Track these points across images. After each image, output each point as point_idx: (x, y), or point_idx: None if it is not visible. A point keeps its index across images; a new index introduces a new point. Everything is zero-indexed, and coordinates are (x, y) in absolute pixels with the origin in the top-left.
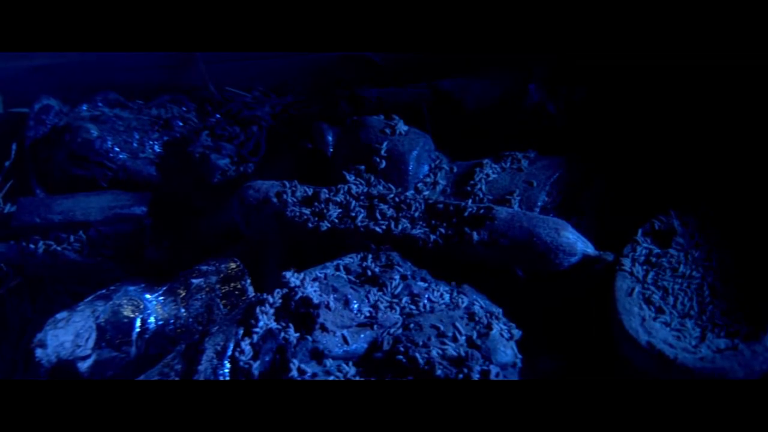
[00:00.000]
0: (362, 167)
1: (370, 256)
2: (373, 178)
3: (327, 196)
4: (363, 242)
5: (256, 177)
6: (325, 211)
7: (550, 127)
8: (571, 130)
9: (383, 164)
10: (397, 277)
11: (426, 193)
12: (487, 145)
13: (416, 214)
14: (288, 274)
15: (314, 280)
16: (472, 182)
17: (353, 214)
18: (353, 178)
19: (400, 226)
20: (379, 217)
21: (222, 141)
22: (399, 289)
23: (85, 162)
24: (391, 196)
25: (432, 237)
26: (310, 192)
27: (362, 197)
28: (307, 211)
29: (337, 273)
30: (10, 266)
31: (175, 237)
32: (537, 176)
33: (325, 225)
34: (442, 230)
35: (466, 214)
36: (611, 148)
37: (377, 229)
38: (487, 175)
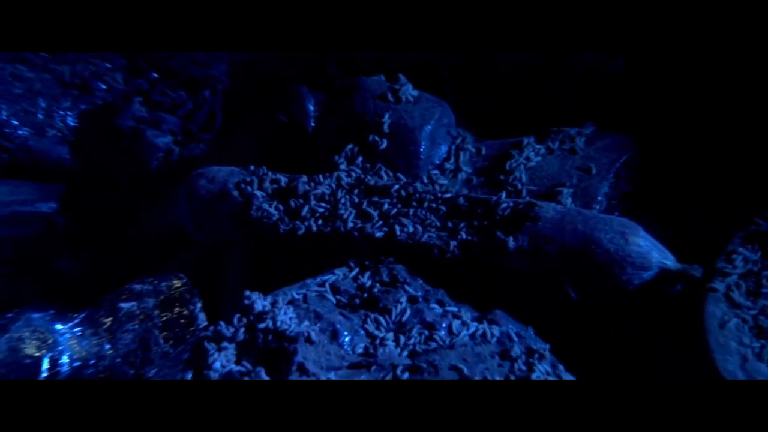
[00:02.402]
0: (356, 148)
1: (367, 271)
2: (369, 164)
3: (307, 188)
4: (357, 252)
5: (210, 162)
6: (304, 208)
7: (612, 94)
8: (642, 96)
9: (384, 144)
10: (403, 299)
11: (443, 183)
12: (527, 119)
13: (430, 215)
14: (254, 296)
15: (290, 303)
16: (507, 169)
17: (343, 213)
18: (343, 162)
19: (407, 230)
20: (378, 217)
21: (161, 111)
22: (407, 316)
23: None
24: (396, 188)
25: (452, 244)
26: (283, 182)
27: (356, 190)
28: (278, 210)
29: (322, 294)
30: None
31: (97, 243)
32: (597, 160)
33: (304, 228)
34: (466, 235)
35: (499, 212)
36: (693, 122)
37: (376, 233)
38: (528, 159)
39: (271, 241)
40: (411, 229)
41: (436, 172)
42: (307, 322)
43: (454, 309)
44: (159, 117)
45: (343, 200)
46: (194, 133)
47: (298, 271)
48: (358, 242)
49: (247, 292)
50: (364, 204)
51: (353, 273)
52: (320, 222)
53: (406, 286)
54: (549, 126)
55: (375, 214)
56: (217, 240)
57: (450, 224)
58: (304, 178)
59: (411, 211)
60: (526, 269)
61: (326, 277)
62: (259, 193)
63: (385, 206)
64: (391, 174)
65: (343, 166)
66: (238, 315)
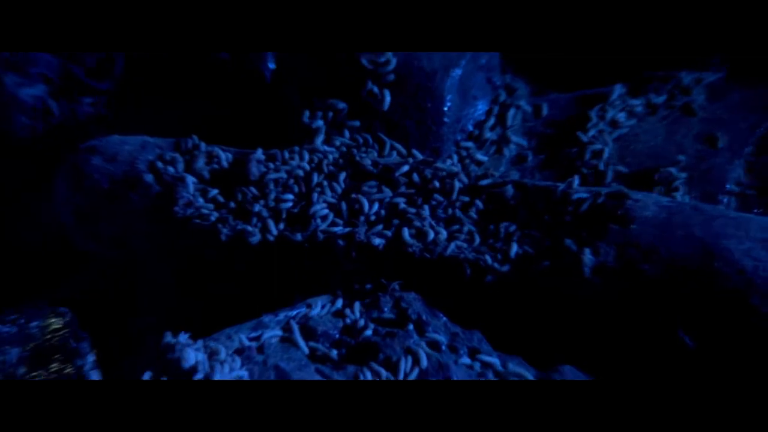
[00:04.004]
0: (342, 105)
1: (358, 302)
2: (364, 131)
3: (264, 169)
4: (343, 271)
5: (110, 130)
6: (259, 203)
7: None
8: None
9: (387, 100)
10: (417, 347)
11: (481, 161)
12: (612, 56)
13: (459, 213)
14: (180, 341)
15: (237, 353)
16: (582, 140)
17: (320, 210)
18: (322, 129)
19: (424, 237)
20: (376, 216)
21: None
22: (424, 375)
23: None
24: (406, 169)
25: (489, 260)
26: (226, 160)
27: (342, 173)
28: (219, 205)
29: (288, 338)
30: None
31: None
32: (727, 125)
33: (258, 234)
34: (516, 245)
35: (569, 209)
36: None
37: (374, 241)
38: (615, 124)
39: (207, 254)
40: (429, 236)
41: (470, 144)
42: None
43: (496, 362)
44: (24, 56)
45: (321, 189)
46: (81, 80)
47: (251, 302)
48: (345, 256)
49: (169, 336)
50: (355, 195)
51: (337, 305)
52: (285, 224)
53: (423, 327)
54: (648, 69)
55: (372, 211)
56: (122, 253)
57: (491, 227)
58: (259, 155)
59: (427, 208)
60: (610, 298)
61: (295, 312)
62: (188, 179)
63: (388, 199)
64: (397, 147)
65: (321, 135)
66: (148, 372)
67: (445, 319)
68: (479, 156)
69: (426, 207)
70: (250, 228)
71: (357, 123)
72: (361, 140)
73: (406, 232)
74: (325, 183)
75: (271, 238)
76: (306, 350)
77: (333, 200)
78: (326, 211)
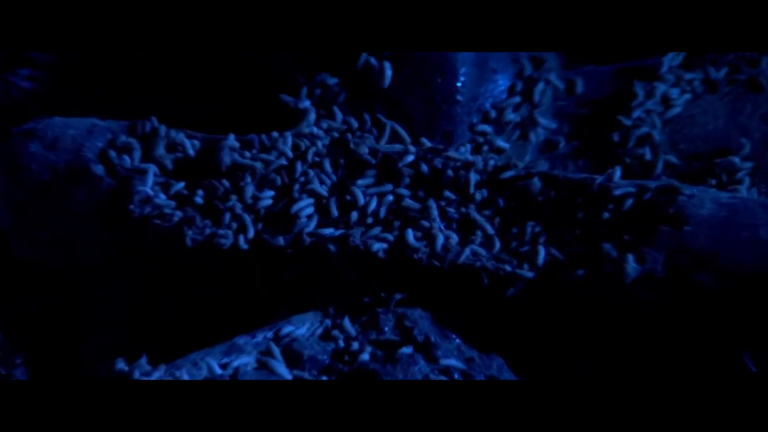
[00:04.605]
0: (332, 81)
1: (351, 321)
2: (360, 111)
3: (238, 158)
4: (334, 283)
5: (52, 110)
6: (232, 198)
7: None
8: None
9: (388, 74)
10: (425, 374)
11: (502, 148)
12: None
13: (475, 211)
14: (136, 372)
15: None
16: (624, 122)
17: (304, 206)
18: (309, 109)
19: (436, 242)
20: (374, 216)
21: None
22: None
23: None
24: (410, 159)
25: (511, 270)
26: (191, 149)
27: (332, 162)
28: (183, 201)
29: (266, 364)
30: None
31: None
32: None
33: (231, 237)
34: (543, 251)
35: (610, 207)
36: None
37: (373, 246)
38: (667, 102)
39: (170, 262)
40: (439, 240)
41: (488, 127)
42: None
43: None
44: None
45: (307, 182)
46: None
47: (222, 321)
48: (336, 264)
49: (122, 363)
50: (349, 191)
51: (327, 324)
52: (264, 225)
53: (431, 351)
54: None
55: (369, 209)
56: (67, 261)
57: (514, 230)
58: (232, 141)
59: (436, 206)
60: (658, 316)
61: (275, 332)
62: (150, 170)
63: (389, 196)
64: (400, 132)
65: (308, 118)
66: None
67: (458, 341)
68: (500, 142)
69: (435, 205)
70: (221, 230)
71: (348, 101)
72: (356, 124)
73: (410, 234)
74: (313, 175)
75: (245, 246)
76: (289, 379)
77: (322, 196)
78: (312, 209)
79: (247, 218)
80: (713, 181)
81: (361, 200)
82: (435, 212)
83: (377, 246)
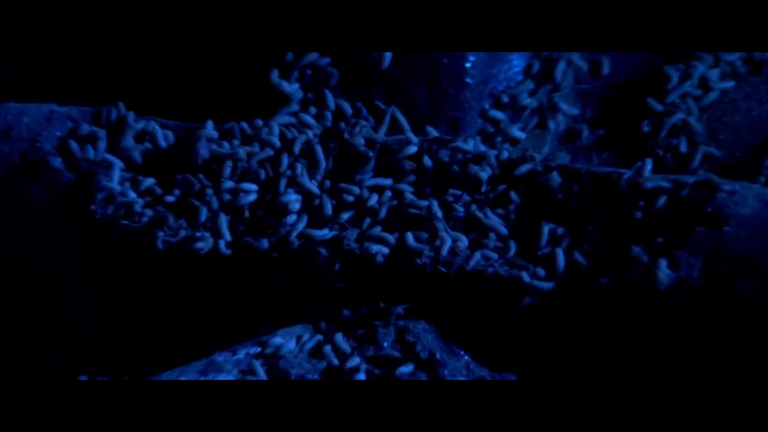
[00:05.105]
0: (324, 61)
1: (339, 334)
2: (354, 97)
3: (217, 148)
4: (327, 292)
5: (7, 94)
6: (207, 193)
7: None
8: None
9: (387, 54)
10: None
11: (517, 138)
12: None
13: (486, 211)
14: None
15: None
16: (656, 108)
17: (291, 202)
18: (297, 93)
19: (444, 248)
20: (372, 216)
21: None
22: None
23: None
24: (412, 150)
25: (527, 278)
26: (164, 140)
27: (326, 156)
28: (155, 200)
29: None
30: None
31: None
32: None
33: (210, 239)
34: (563, 257)
35: (640, 205)
36: None
37: (371, 250)
38: (705, 84)
39: (139, 266)
40: (446, 243)
41: (500, 114)
42: None
43: None
44: None
45: (294, 176)
46: None
47: (199, 333)
48: (329, 270)
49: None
50: (343, 186)
51: (317, 339)
52: (246, 226)
53: (436, 369)
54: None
55: (366, 207)
56: (26, 267)
57: (531, 231)
58: (210, 130)
59: (436, 206)
60: (694, 329)
61: (259, 348)
62: (116, 163)
63: (389, 192)
64: (401, 120)
65: (296, 102)
66: None
67: (467, 358)
68: (515, 132)
69: (438, 202)
70: (198, 232)
71: (342, 85)
72: (350, 110)
73: (412, 237)
74: (301, 169)
75: (225, 250)
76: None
77: (313, 192)
78: (298, 205)
79: (223, 219)
80: (761, 179)
81: (357, 197)
82: (440, 211)
83: (375, 249)
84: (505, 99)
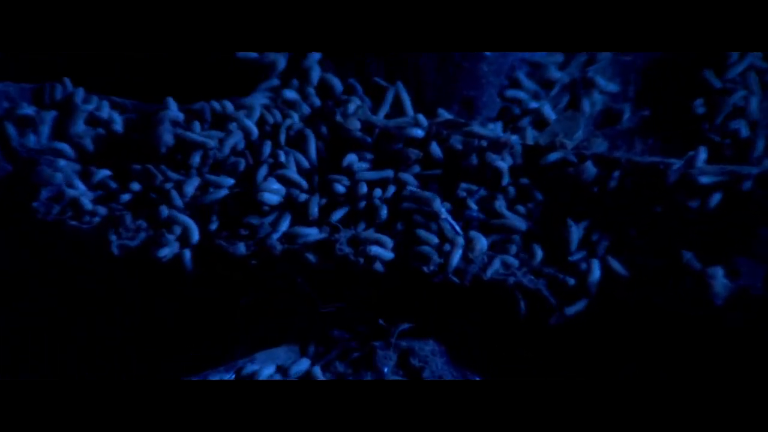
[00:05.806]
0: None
1: (336, 358)
2: (347, 74)
3: (184, 133)
4: (316, 306)
5: None
6: (176, 192)
7: None
8: None
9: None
10: None
11: (544, 117)
12: None
13: (506, 209)
14: None
15: None
16: (712, 82)
17: (270, 199)
18: (279, 68)
19: (454, 256)
20: (367, 217)
21: None
22: None
23: None
24: (419, 134)
25: (551, 295)
26: (120, 124)
27: (314, 142)
28: (110, 195)
29: None
30: None
31: None
32: None
33: (175, 245)
34: (598, 264)
35: (692, 205)
36: None
37: (369, 254)
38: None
39: (92, 276)
40: (458, 247)
41: (520, 93)
42: None
43: None
44: None
45: (277, 166)
46: None
47: (164, 356)
48: (318, 280)
49: None
50: (335, 178)
51: (303, 365)
52: (219, 227)
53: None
54: None
55: (362, 203)
56: None
57: (560, 233)
58: (174, 112)
59: (438, 204)
60: (757, 349)
61: (234, 375)
62: (63, 151)
63: (390, 187)
64: (405, 100)
65: (275, 78)
66: None
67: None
68: (544, 111)
69: (452, 199)
70: (162, 235)
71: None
72: (341, 88)
73: (418, 240)
74: (285, 158)
75: (189, 264)
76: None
77: (299, 185)
78: (278, 198)
79: (190, 221)
80: None
81: (351, 192)
82: (446, 209)
83: (374, 253)
84: (530, 73)
